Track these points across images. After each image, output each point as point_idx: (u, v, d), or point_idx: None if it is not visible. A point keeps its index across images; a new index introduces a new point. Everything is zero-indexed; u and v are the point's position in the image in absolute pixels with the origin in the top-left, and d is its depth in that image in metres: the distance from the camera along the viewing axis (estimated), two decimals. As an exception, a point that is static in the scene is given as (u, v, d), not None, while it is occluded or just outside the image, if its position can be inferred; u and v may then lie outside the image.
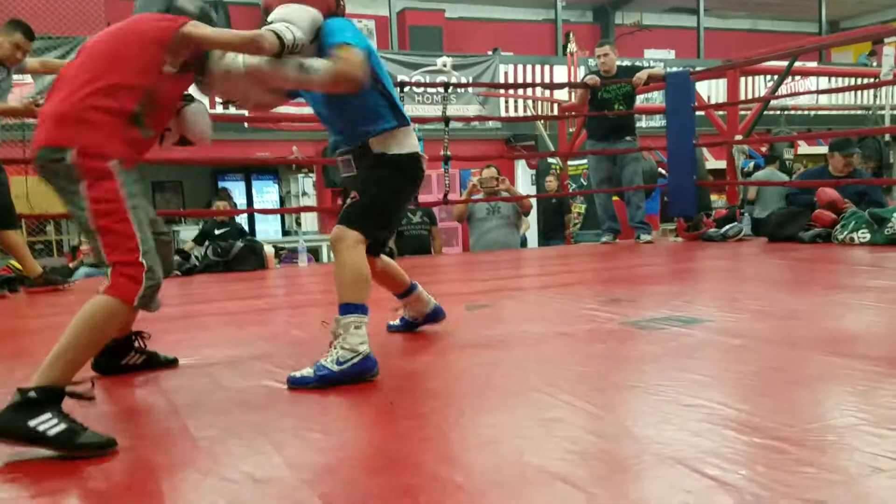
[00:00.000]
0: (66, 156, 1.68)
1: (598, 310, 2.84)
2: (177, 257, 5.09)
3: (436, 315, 2.55)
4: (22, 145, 4.67)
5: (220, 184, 12.26)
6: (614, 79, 5.86)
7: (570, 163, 9.49)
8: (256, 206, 12.20)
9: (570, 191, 9.56)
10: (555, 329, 2.54)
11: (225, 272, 5.01)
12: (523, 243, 7.70)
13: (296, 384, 1.91)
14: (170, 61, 1.82)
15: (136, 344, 2.20)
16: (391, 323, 2.61)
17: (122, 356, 2.17)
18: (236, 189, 12.75)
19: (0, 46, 3.79)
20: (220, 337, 2.75)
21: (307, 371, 1.93)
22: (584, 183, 8.85)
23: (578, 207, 8.67)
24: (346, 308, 1.98)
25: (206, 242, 5.53)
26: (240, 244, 5.21)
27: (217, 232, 5.97)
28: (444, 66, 10.94)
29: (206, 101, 2.18)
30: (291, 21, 1.92)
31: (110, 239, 1.71)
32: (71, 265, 7.76)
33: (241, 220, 8.78)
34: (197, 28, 1.84)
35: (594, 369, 2.03)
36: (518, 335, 2.48)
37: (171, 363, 2.25)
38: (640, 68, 6.08)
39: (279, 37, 1.86)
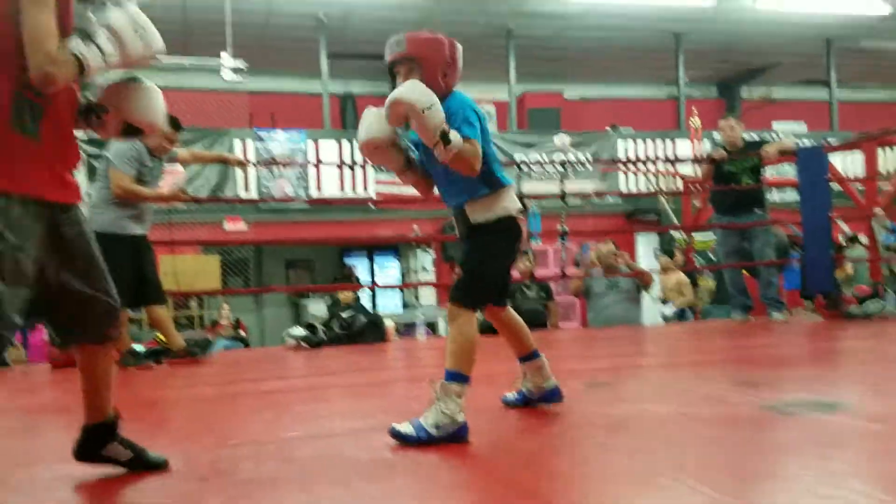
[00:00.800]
0: None
1: (729, 391, 2.70)
2: (305, 330, 5.32)
3: (553, 395, 2.48)
4: (168, 228, 5.07)
5: (346, 260, 12.76)
6: (740, 152, 5.71)
7: (696, 237, 9.22)
8: (379, 281, 12.59)
9: (697, 265, 9.25)
10: (680, 410, 2.43)
11: (349, 345, 5.17)
12: (666, 318, 7.48)
13: (396, 437, 2.04)
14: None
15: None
16: (507, 396, 2.57)
17: (102, 443, 1.84)
18: (360, 265, 13.23)
19: (151, 138, 4.18)
20: (342, 408, 2.81)
21: (407, 428, 2.04)
22: (712, 258, 8.55)
23: (706, 282, 8.35)
24: (451, 375, 2.09)
25: (332, 317, 5.74)
26: (363, 318, 5.38)
27: (343, 315, 6.24)
28: (562, 143, 11.06)
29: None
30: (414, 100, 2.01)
31: None
32: (210, 338, 8.25)
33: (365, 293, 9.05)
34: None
35: (724, 455, 1.91)
36: (641, 415, 2.39)
37: (161, 466, 1.88)
38: (767, 142, 5.89)
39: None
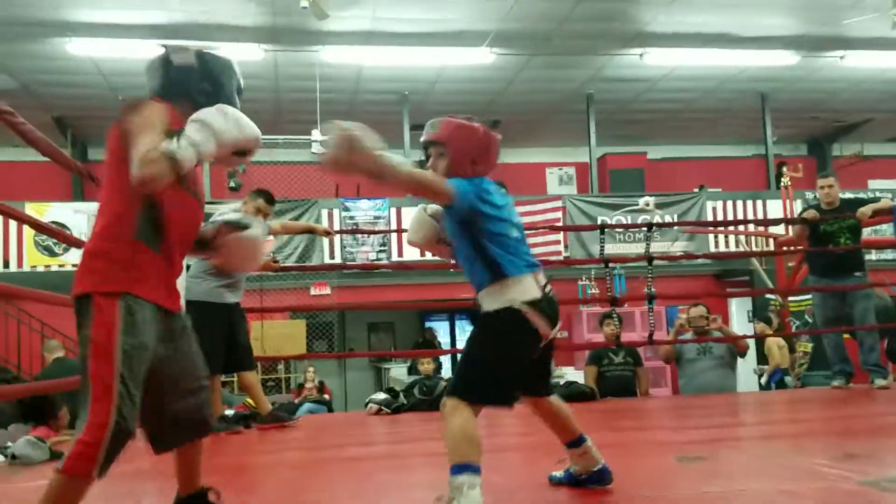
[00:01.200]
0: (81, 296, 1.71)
1: (831, 466, 2.54)
2: (386, 395, 5.35)
3: (602, 476, 2.34)
4: (259, 294, 5.26)
5: (427, 324, 12.85)
6: (837, 212, 5.49)
7: (792, 299, 8.83)
8: (459, 343, 12.63)
9: (794, 329, 8.84)
10: (780, 487, 2.30)
11: (429, 411, 5.15)
12: (767, 386, 7.16)
13: None
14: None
15: None
16: (554, 474, 2.44)
17: None
18: (441, 328, 13.29)
19: (247, 211, 4.40)
20: (423, 478, 2.79)
21: None
22: (809, 320, 8.16)
23: (804, 346, 7.96)
24: (456, 469, 1.98)
25: (414, 382, 5.77)
26: (443, 383, 5.36)
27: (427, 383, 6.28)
28: (647, 204, 10.92)
29: (261, 227, 2.22)
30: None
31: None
32: (296, 401, 8.41)
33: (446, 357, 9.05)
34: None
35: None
36: (739, 494, 2.27)
37: None
38: (865, 201, 5.65)
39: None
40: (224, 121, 1.79)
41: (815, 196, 5.89)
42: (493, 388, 2.11)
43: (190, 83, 1.93)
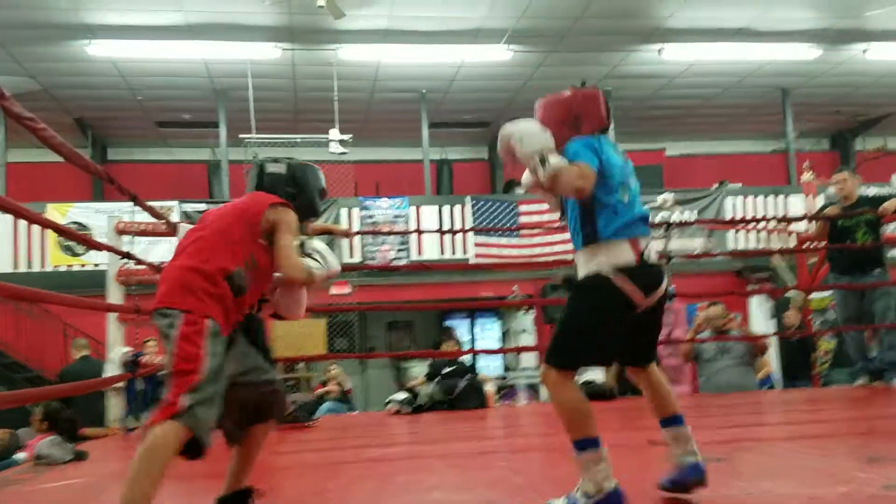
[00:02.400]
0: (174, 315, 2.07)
1: (856, 469, 2.50)
2: (406, 394, 5.36)
3: (696, 471, 2.15)
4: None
5: (447, 322, 12.84)
6: (856, 207, 5.42)
7: (814, 295, 8.73)
8: (479, 341, 12.63)
9: (814, 327, 8.73)
10: (804, 491, 2.28)
11: (449, 410, 5.16)
12: (771, 385, 7.08)
13: None
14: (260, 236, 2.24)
15: None
16: (663, 481, 2.24)
17: None
18: (461, 326, 13.27)
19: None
20: (443, 480, 2.80)
21: (561, 501, 2.02)
22: (831, 316, 8.07)
23: (827, 344, 7.86)
24: (577, 445, 2.01)
25: (436, 379, 5.76)
26: (463, 383, 5.37)
27: (445, 370, 6.22)
28: (666, 202, 10.82)
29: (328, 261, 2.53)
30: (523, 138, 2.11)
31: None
32: (316, 393, 8.40)
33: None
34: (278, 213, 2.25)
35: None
36: (760, 497, 2.25)
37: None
38: (886, 197, 5.56)
39: None
40: (331, 257, 2.39)
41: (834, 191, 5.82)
42: (582, 353, 2.11)
43: (277, 187, 2.39)
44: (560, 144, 2.15)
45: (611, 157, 2.18)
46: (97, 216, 9.44)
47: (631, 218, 2.14)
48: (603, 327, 2.09)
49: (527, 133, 2.10)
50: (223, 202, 10.20)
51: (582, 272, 2.14)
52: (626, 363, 2.28)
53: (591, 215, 2.12)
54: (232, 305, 2.15)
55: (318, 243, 2.42)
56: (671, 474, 2.20)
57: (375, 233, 10.12)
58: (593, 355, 2.17)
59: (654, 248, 2.18)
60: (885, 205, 5.29)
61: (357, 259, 10.21)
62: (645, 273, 2.10)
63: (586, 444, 1.99)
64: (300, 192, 2.42)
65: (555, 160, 2.06)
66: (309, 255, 2.34)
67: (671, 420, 2.21)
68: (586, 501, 1.96)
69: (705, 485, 2.16)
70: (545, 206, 10.78)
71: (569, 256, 8.43)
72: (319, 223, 8.56)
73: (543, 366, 2.09)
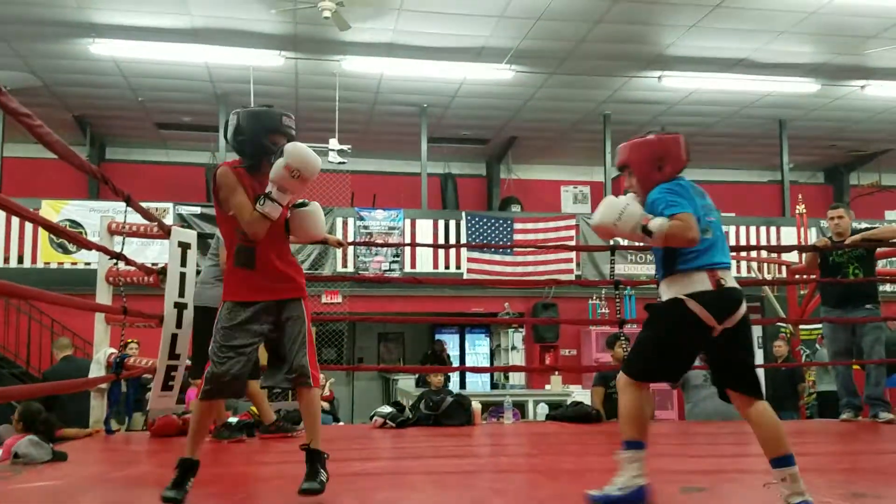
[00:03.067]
0: None
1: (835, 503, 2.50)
2: (392, 409, 5.34)
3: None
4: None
5: (437, 336, 12.83)
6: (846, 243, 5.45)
7: (802, 327, 8.76)
8: (469, 356, 12.64)
9: (803, 357, 8.75)
10: (782, 525, 2.27)
11: (434, 426, 5.12)
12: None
13: (594, 500, 2.31)
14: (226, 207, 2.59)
15: None
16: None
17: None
18: (451, 341, 13.26)
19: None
20: (425, 498, 2.78)
21: (599, 492, 2.32)
22: (819, 348, 8.09)
23: (814, 376, 7.88)
24: (626, 444, 2.35)
25: (421, 396, 5.75)
26: (450, 399, 5.34)
27: (434, 398, 6.27)
28: (661, 227, 10.86)
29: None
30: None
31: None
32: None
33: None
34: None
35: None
36: (738, 529, 2.24)
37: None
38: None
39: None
40: (294, 181, 2.49)
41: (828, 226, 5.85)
42: (653, 367, 2.42)
43: (234, 140, 2.65)
44: (645, 184, 2.48)
45: (693, 198, 2.43)
46: (91, 215, 9.41)
47: (710, 251, 2.38)
48: (674, 346, 2.38)
49: (614, 212, 2.39)
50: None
51: (662, 298, 2.42)
52: (722, 386, 2.42)
53: (673, 252, 2.38)
54: (256, 276, 2.55)
55: (276, 171, 2.50)
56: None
57: (370, 244, 10.12)
58: (663, 370, 2.46)
59: (731, 277, 2.42)
60: (853, 238, 5.35)
61: (350, 269, 10.21)
62: (718, 298, 2.33)
63: (633, 444, 2.34)
64: (246, 138, 2.59)
65: (656, 225, 2.32)
66: (265, 197, 2.49)
67: (780, 460, 2.27)
68: (618, 491, 2.29)
69: None
70: (540, 226, 10.83)
71: (561, 277, 8.46)
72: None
73: (621, 373, 2.43)
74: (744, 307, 2.36)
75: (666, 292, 2.39)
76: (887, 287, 10.01)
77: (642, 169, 2.50)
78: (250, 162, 2.61)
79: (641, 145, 2.55)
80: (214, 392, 2.56)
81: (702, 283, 2.32)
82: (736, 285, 2.39)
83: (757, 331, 11.16)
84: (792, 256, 9.77)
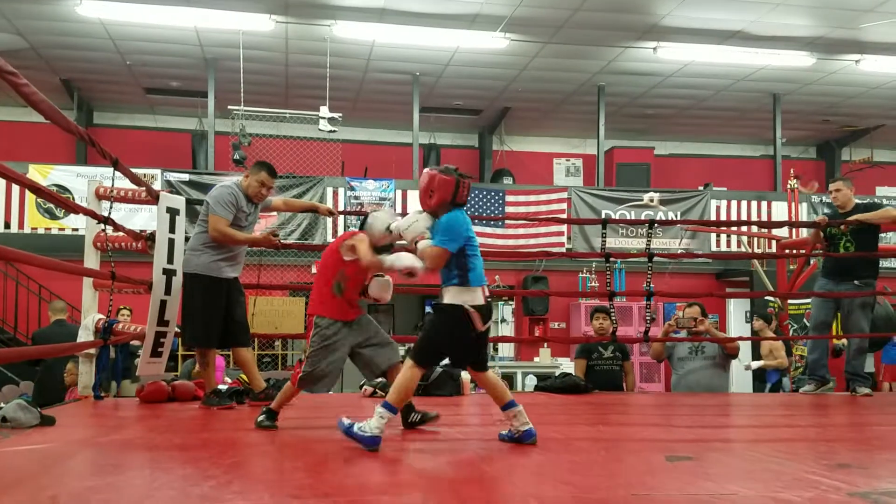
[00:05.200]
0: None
1: (822, 475, 2.53)
2: (382, 378, 5.33)
3: (529, 436, 3.00)
4: (257, 270, 5.19)
5: (427, 307, 12.85)
6: (849, 216, 5.46)
7: (791, 302, 8.81)
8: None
9: (791, 332, 8.83)
10: (770, 494, 2.28)
11: (424, 396, 5.13)
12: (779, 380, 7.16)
13: (343, 429, 2.95)
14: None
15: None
16: (501, 433, 3.12)
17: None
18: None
19: (249, 185, 4.35)
20: (410, 465, 2.80)
21: (346, 424, 2.94)
22: (807, 322, 8.16)
23: (801, 350, 7.95)
24: (386, 405, 2.89)
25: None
26: (439, 370, 5.35)
27: None
28: (651, 200, 10.88)
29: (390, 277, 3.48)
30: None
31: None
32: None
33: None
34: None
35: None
36: (727, 498, 2.26)
37: (434, 418, 3.52)
38: (880, 205, 5.65)
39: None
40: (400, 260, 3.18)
41: (821, 200, 5.88)
42: (432, 355, 3.13)
43: None
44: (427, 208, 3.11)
45: (461, 227, 3.08)
46: (79, 180, 9.32)
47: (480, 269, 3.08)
48: (447, 341, 3.03)
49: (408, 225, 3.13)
50: (207, 173, 10.07)
51: (445, 301, 3.02)
52: (469, 367, 3.20)
53: (460, 267, 3.04)
54: (343, 302, 3.43)
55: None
56: (513, 433, 3.04)
57: (360, 213, 10.06)
58: (436, 357, 3.25)
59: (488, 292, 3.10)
60: (852, 217, 5.36)
61: (340, 239, 10.16)
62: (486, 309, 3.02)
63: (390, 408, 2.89)
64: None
65: (422, 245, 3.04)
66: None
67: (507, 405, 3.03)
68: (364, 431, 2.84)
69: (535, 442, 2.99)
70: (532, 199, 10.80)
71: (552, 249, 8.48)
72: (304, 201, 8.51)
73: (408, 358, 3.01)
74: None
75: (449, 298, 3.02)
76: (889, 263, 10.03)
77: (422, 197, 3.09)
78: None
79: (425, 179, 3.07)
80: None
81: (474, 296, 3.00)
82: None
83: (745, 304, 11.25)
84: (782, 231, 9.80)
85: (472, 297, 2.98)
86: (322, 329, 3.37)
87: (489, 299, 3.03)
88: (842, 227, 5.44)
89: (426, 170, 3.10)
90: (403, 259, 3.09)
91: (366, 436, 2.81)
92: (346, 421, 2.91)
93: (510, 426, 3.05)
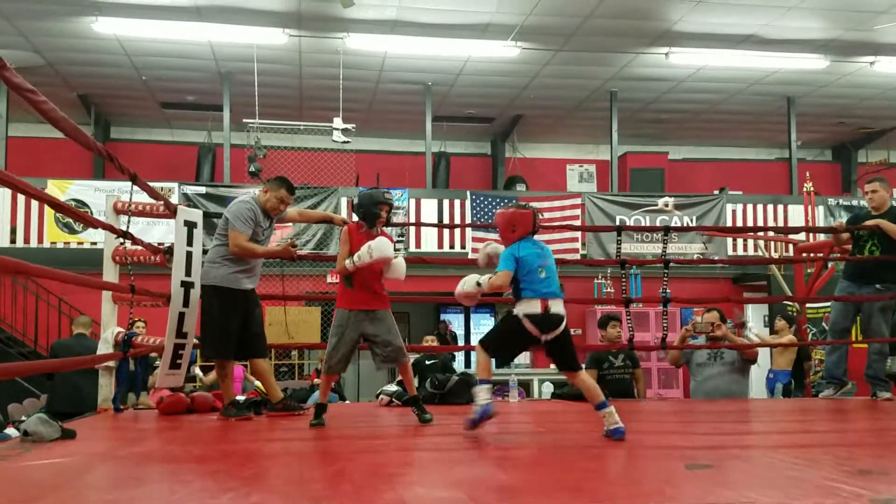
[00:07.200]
0: None
1: (842, 482, 2.50)
2: (398, 387, 5.35)
3: (615, 434, 3.36)
4: (280, 280, 5.21)
5: (442, 315, 12.87)
6: (886, 217, 5.40)
7: (809, 305, 8.73)
8: (474, 336, 12.72)
9: (809, 336, 8.75)
10: (790, 502, 2.27)
11: (440, 404, 5.13)
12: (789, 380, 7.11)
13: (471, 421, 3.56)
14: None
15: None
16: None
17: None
18: (456, 321, 13.30)
19: (268, 200, 4.40)
20: (428, 475, 2.80)
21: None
22: (825, 327, 8.09)
23: (821, 354, 7.87)
24: (481, 381, 3.56)
25: (422, 374, 5.80)
26: (455, 378, 5.35)
27: (427, 363, 6.36)
28: (666, 205, 10.83)
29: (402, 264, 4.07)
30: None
31: None
32: (312, 383, 8.41)
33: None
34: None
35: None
36: (745, 506, 2.25)
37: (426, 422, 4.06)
38: None
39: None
40: (368, 252, 3.87)
41: (837, 202, 5.84)
42: (498, 348, 3.67)
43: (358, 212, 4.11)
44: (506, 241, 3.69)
45: (524, 252, 3.61)
46: (97, 194, 9.43)
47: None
48: (507, 342, 3.67)
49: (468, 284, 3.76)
50: (224, 185, 10.14)
51: (514, 311, 3.54)
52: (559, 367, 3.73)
53: (520, 284, 3.56)
54: (356, 292, 4.00)
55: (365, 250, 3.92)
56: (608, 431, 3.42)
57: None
58: (501, 351, 3.75)
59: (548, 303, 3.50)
60: (885, 222, 5.30)
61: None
62: (542, 318, 3.46)
63: (483, 381, 3.55)
64: (366, 211, 4.13)
65: (485, 282, 3.64)
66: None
67: (600, 405, 3.50)
68: (480, 407, 3.47)
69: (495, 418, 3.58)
70: (545, 205, 10.78)
71: (566, 256, 8.46)
72: (318, 212, 8.55)
73: (478, 345, 3.63)
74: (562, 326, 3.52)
75: (516, 308, 3.53)
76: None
77: (503, 232, 3.67)
78: (367, 224, 4.06)
79: (501, 217, 3.68)
80: None
81: (531, 306, 3.46)
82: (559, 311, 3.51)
83: (763, 309, 11.16)
84: (799, 235, 9.72)
85: (527, 308, 3.49)
86: (336, 318, 4.03)
87: (548, 310, 3.46)
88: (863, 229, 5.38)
89: (500, 210, 3.72)
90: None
91: (479, 410, 3.46)
92: (470, 417, 3.52)
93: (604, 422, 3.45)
